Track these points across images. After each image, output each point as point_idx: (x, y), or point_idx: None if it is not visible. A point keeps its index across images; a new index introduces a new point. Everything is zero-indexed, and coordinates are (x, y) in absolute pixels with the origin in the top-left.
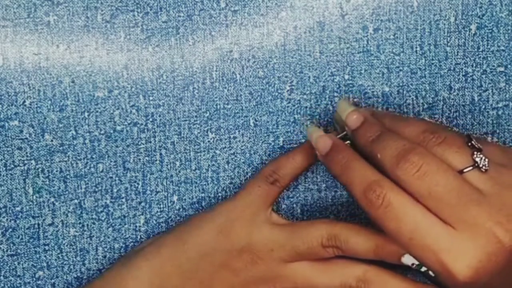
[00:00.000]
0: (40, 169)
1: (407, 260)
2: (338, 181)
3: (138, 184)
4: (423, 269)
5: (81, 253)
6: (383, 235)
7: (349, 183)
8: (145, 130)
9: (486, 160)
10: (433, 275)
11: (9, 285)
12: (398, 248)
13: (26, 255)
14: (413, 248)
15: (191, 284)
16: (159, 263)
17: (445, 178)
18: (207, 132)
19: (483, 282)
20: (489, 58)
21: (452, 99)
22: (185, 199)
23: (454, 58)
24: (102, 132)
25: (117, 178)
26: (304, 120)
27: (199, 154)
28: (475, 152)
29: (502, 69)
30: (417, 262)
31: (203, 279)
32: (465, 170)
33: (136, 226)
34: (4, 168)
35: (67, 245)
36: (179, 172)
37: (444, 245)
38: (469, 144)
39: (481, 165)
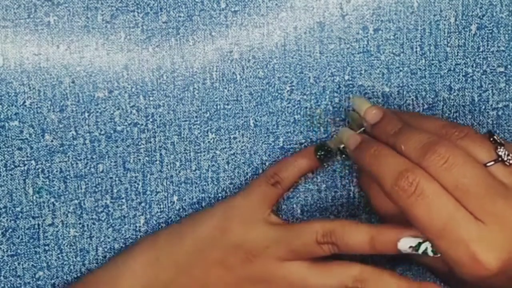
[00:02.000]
0: (40, 170)
1: (403, 245)
2: (368, 172)
3: (138, 184)
4: (421, 250)
5: (81, 253)
6: (377, 226)
7: (380, 172)
8: (145, 131)
9: (510, 154)
10: (432, 255)
11: (9, 285)
12: (393, 236)
13: (26, 256)
14: (443, 239)
15: (185, 278)
16: (155, 255)
17: (472, 170)
18: (207, 132)
19: (508, 275)
20: (489, 59)
21: (452, 99)
22: (185, 200)
23: (454, 59)
24: (102, 132)
25: (117, 179)
26: (304, 121)
27: (199, 154)
28: (498, 147)
29: (502, 69)
30: (414, 244)
31: (198, 274)
32: (489, 164)
33: (136, 227)
34: (4, 169)
35: (67, 246)
36: (179, 172)
37: (476, 236)
38: (491, 139)
39: (505, 159)
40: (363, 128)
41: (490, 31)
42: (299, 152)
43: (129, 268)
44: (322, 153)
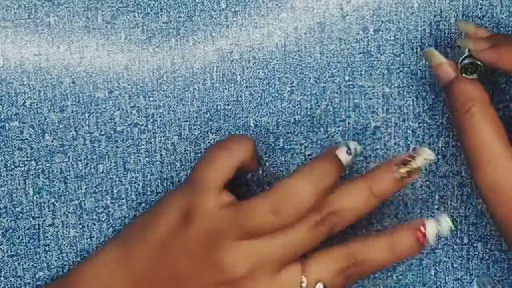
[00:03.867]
0: (40, 170)
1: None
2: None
3: (138, 185)
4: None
5: (81, 253)
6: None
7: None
8: (146, 131)
9: None
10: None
11: (9, 285)
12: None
13: (26, 256)
14: None
15: (161, 274)
16: (128, 251)
17: None
18: (207, 133)
19: None
20: None
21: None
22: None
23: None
24: (103, 132)
25: (117, 179)
26: (304, 121)
27: (199, 155)
28: None
29: None
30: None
31: (169, 267)
32: None
33: None
34: (4, 169)
35: (67, 246)
36: (180, 173)
37: None
38: None
39: None
40: (466, 54)
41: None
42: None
43: (94, 272)
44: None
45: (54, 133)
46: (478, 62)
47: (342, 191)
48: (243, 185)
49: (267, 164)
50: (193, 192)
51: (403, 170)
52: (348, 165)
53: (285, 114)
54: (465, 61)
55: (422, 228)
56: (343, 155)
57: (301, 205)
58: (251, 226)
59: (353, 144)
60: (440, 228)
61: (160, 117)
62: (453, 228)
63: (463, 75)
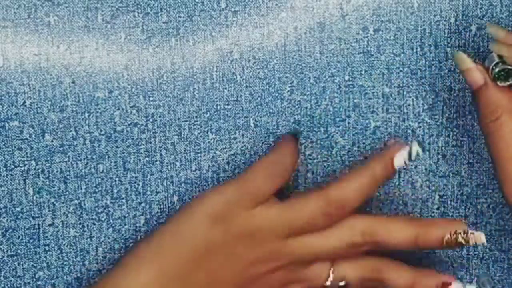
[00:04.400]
0: (40, 170)
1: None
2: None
3: (138, 184)
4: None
5: (81, 253)
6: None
7: None
8: (145, 131)
9: None
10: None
11: (9, 285)
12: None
13: (26, 256)
14: None
15: (194, 281)
16: (161, 268)
17: None
18: (207, 132)
19: None
20: None
21: (453, 99)
22: (185, 200)
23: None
24: (102, 132)
25: (117, 179)
26: (304, 121)
27: (199, 154)
28: None
29: None
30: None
31: (207, 272)
32: None
33: (136, 227)
34: (4, 169)
35: (67, 246)
36: (179, 172)
37: None
38: None
39: None
40: (497, 61)
41: None
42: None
43: (134, 283)
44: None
45: (54, 133)
46: (511, 68)
47: (392, 227)
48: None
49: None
50: (240, 197)
51: (453, 237)
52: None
53: (285, 114)
54: (497, 69)
55: (447, 283)
56: (399, 162)
57: (347, 210)
58: (299, 225)
59: (415, 149)
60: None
61: (160, 116)
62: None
63: (497, 82)
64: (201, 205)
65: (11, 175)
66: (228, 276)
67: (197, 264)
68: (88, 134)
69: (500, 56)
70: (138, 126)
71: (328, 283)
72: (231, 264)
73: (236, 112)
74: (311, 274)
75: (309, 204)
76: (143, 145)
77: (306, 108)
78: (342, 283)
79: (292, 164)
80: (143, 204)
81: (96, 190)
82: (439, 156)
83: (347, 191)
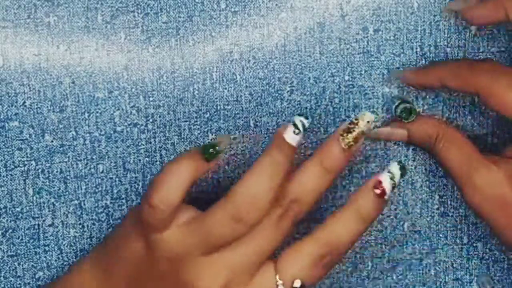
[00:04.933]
0: (40, 170)
1: None
2: (439, 75)
3: (138, 185)
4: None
5: (81, 253)
6: None
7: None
8: (145, 131)
9: None
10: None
11: (9, 285)
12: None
13: (26, 256)
14: None
15: None
16: (101, 272)
17: None
18: (207, 133)
19: None
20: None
21: (452, 100)
22: (184, 200)
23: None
24: (102, 133)
25: (117, 179)
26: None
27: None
28: None
29: None
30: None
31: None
32: None
33: None
34: (4, 169)
35: (67, 246)
36: None
37: None
38: None
39: None
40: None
41: (490, 31)
42: (174, 162)
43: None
44: (211, 149)
45: (54, 133)
46: (411, 106)
47: (295, 177)
48: None
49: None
50: (148, 222)
51: (349, 137)
52: (299, 144)
53: (285, 114)
54: (398, 109)
55: (378, 184)
56: (290, 137)
57: (260, 205)
58: (214, 239)
59: (298, 120)
60: (393, 176)
61: (160, 117)
62: (403, 170)
63: (402, 120)
64: (123, 224)
65: (11, 175)
66: None
67: (136, 284)
68: (88, 135)
69: (399, 97)
70: (138, 126)
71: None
72: (156, 283)
73: (236, 112)
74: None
75: (215, 216)
76: (143, 145)
77: (306, 108)
78: (296, 284)
79: (175, 192)
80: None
81: (96, 190)
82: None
83: (250, 187)
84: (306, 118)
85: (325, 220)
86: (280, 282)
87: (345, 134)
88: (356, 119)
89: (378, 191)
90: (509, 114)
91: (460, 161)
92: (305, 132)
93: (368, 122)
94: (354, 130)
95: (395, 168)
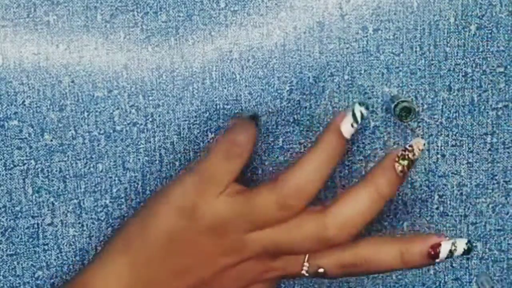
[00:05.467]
0: (39, 169)
1: (443, 251)
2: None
3: (137, 184)
4: (459, 249)
5: (81, 253)
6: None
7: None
8: (145, 130)
9: None
10: (461, 253)
11: (8, 284)
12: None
13: (25, 255)
14: None
15: (166, 271)
16: (132, 256)
17: None
18: (206, 132)
19: None
20: (488, 59)
21: (452, 99)
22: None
23: (454, 59)
24: (102, 132)
25: (116, 178)
26: (304, 121)
27: (199, 154)
28: None
29: (501, 69)
30: (451, 247)
31: (174, 264)
32: None
33: None
34: (3, 168)
35: (66, 245)
36: (179, 172)
37: None
38: None
39: None
40: None
41: (490, 31)
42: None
43: (111, 273)
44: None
45: (53, 132)
46: (408, 105)
47: (347, 199)
48: (242, 184)
49: (266, 163)
50: (201, 187)
51: (404, 163)
52: (352, 136)
53: (285, 114)
54: (398, 108)
55: (436, 246)
56: (347, 129)
57: (308, 197)
58: (259, 220)
59: (358, 109)
60: (455, 250)
61: (159, 116)
62: (468, 252)
63: (402, 120)
64: (163, 198)
65: (10, 174)
66: (194, 268)
67: (164, 255)
68: (87, 134)
69: (399, 97)
70: (138, 125)
71: (304, 272)
72: (197, 257)
73: (236, 111)
74: (284, 264)
75: (261, 199)
76: (143, 144)
77: (306, 107)
78: (320, 270)
79: (249, 143)
80: (142, 204)
81: (96, 189)
82: (439, 156)
83: (301, 177)
84: (367, 108)
85: (372, 238)
86: (306, 265)
87: (400, 160)
88: (411, 146)
89: (432, 250)
90: None
91: None
92: (363, 121)
93: (421, 150)
94: (409, 157)
95: (461, 244)
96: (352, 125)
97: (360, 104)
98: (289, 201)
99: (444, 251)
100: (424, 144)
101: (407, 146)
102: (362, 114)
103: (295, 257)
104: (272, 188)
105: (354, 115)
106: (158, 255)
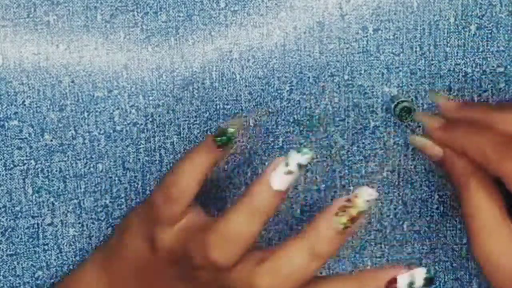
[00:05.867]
0: (39, 169)
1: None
2: (463, 147)
3: (137, 184)
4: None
5: (81, 253)
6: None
7: (480, 141)
8: (145, 130)
9: None
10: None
11: (8, 284)
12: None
13: (25, 255)
14: None
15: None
16: (111, 275)
17: None
18: (206, 132)
19: None
20: (488, 59)
21: (452, 99)
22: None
23: (454, 59)
24: (102, 132)
25: (116, 178)
26: (304, 121)
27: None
28: None
29: (501, 69)
30: (410, 280)
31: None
32: None
33: None
34: (3, 168)
35: (66, 245)
36: None
37: None
38: None
39: None
40: None
41: (490, 31)
42: (191, 151)
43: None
44: (223, 138)
45: (53, 132)
46: (408, 105)
47: (280, 255)
48: (242, 185)
49: (266, 163)
50: (161, 217)
51: (344, 219)
52: (292, 185)
53: (284, 114)
54: (398, 108)
55: (393, 281)
56: (278, 180)
57: (244, 245)
58: (192, 267)
59: (293, 159)
60: (413, 283)
61: (159, 116)
62: (430, 281)
63: (402, 120)
64: (128, 221)
65: (10, 174)
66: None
67: (136, 281)
68: (87, 134)
69: (399, 97)
70: (138, 125)
71: None
72: (162, 283)
73: (236, 111)
74: None
75: (201, 242)
76: (143, 144)
77: (306, 107)
78: None
79: (192, 182)
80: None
81: (96, 189)
82: None
83: (227, 227)
84: (307, 154)
85: (327, 277)
86: None
87: (340, 214)
88: (355, 196)
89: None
90: None
91: (486, 212)
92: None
93: (368, 201)
94: (350, 211)
95: (419, 274)
96: (286, 173)
97: (299, 151)
98: (224, 246)
99: (401, 285)
100: (372, 194)
101: (350, 196)
102: (299, 165)
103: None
104: (210, 231)
105: (287, 164)
106: (133, 280)
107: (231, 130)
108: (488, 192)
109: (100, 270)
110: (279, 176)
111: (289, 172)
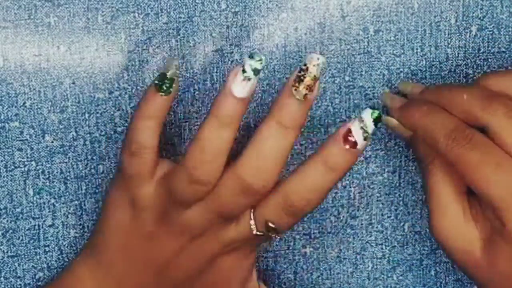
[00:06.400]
0: (40, 170)
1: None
2: (416, 129)
3: None
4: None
5: None
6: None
7: (433, 125)
8: None
9: None
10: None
11: (9, 286)
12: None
13: (26, 256)
14: (493, 183)
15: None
16: (96, 260)
17: None
18: None
19: None
20: (489, 60)
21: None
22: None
23: (455, 60)
24: (103, 133)
25: None
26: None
27: None
28: None
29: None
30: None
31: (137, 257)
32: None
33: None
34: (4, 169)
35: (67, 247)
36: None
37: None
38: None
39: None
40: None
41: (491, 32)
42: (140, 107)
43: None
44: (165, 83)
45: (54, 134)
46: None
47: (255, 145)
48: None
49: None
50: (132, 175)
51: (302, 87)
52: (252, 91)
53: None
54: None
55: (347, 134)
56: (239, 88)
57: (220, 155)
58: (181, 200)
59: (248, 66)
60: (365, 125)
61: None
62: (378, 117)
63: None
64: (109, 201)
65: (11, 175)
66: (153, 258)
67: (125, 251)
68: (88, 135)
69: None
70: None
71: (254, 231)
72: (152, 246)
73: None
74: (234, 230)
75: (176, 176)
76: None
77: None
78: (270, 224)
79: (150, 133)
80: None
81: (97, 191)
82: None
83: (202, 138)
84: (260, 60)
85: (294, 170)
86: (252, 222)
87: (296, 84)
88: (305, 65)
89: (347, 145)
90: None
91: (441, 191)
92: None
93: (317, 65)
94: (305, 77)
95: (366, 114)
96: (246, 80)
97: (252, 57)
98: (196, 172)
99: (357, 133)
100: (318, 58)
101: (301, 66)
102: (255, 69)
103: (242, 220)
104: (182, 163)
105: (244, 71)
106: (124, 252)
107: (171, 72)
108: (446, 173)
109: (88, 259)
110: (239, 84)
111: (247, 79)
